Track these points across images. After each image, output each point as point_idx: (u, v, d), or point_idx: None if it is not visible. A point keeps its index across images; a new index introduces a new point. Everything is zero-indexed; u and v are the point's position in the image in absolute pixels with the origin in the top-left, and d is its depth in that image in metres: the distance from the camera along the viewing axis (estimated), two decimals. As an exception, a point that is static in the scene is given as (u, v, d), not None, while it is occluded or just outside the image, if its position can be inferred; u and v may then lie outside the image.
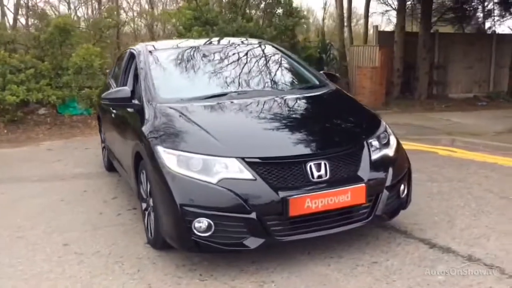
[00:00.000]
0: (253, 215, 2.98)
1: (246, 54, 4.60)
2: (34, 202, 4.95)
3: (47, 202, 4.93)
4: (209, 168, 3.07)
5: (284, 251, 3.37)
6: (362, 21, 20.69)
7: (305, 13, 17.37)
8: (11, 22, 12.65)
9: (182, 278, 3.12)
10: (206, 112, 3.65)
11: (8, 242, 3.87)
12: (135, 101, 3.99)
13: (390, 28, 19.26)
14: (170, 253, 3.42)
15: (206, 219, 3.01)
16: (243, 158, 3.08)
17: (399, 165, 3.56)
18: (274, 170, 3.08)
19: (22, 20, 13.15)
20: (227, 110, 3.69)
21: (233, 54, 4.58)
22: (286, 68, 4.55)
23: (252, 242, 3.03)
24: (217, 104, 3.72)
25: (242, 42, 5.01)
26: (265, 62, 4.54)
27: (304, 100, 3.92)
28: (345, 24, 15.22)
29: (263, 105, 3.73)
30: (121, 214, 4.42)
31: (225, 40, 5.16)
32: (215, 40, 5.30)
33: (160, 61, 4.39)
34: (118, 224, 4.18)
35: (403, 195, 3.57)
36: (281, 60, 4.63)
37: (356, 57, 13.36)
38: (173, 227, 3.13)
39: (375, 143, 3.46)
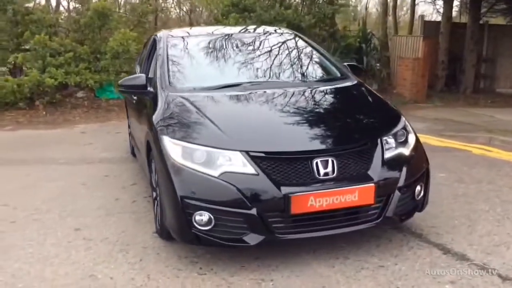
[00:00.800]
0: (253, 211, 2.89)
1: (267, 43, 4.48)
2: (55, 184, 5.04)
3: (68, 185, 5.01)
4: (213, 160, 3.00)
5: (290, 248, 3.27)
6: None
7: (352, 1, 16.85)
8: (54, 5, 12.97)
9: (182, 271, 3.08)
10: (216, 102, 3.57)
11: (23, 224, 3.95)
12: (150, 89, 3.96)
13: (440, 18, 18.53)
14: (174, 244, 3.39)
15: (207, 212, 2.95)
16: (247, 152, 2.99)
17: (415, 165, 3.37)
18: (279, 165, 2.98)
19: (65, 3, 13.47)
20: (238, 101, 3.59)
21: (254, 43, 4.46)
22: (307, 59, 4.39)
23: (252, 239, 2.95)
24: (228, 94, 3.64)
25: (264, 31, 4.88)
26: (285, 52, 4.40)
27: (320, 93, 3.77)
28: (390, 13, 14.75)
29: (276, 97, 3.62)
30: (136, 201, 4.43)
31: (248, 29, 5.05)
32: (238, 28, 5.20)
33: (179, 48, 4.34)
34: (132, 211, 4.19)
35: (419, 197, 3.39)
36: (303, 51, 4.48)
37: (398, 47, 12.91)
38: (174, 219, 3.09)
39: (390, 140, 3.29)
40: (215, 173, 2.96)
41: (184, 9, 18.38)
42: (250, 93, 3.65)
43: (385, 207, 3.14)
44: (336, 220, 3.08)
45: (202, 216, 2.95)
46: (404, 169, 3.22)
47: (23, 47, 10.29)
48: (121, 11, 12.02)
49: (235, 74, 4.02)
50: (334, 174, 3.01)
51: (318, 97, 3.72)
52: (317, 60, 4.41)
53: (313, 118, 3.41)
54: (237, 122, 3.32)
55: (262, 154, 2.99)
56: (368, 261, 3.14)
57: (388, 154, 3.21)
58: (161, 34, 4.74)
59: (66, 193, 4.76)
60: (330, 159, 3.02)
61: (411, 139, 3.45)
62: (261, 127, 3.29)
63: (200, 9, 16.40)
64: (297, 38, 4.68)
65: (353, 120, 3.48)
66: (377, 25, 15.85)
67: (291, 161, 3.00)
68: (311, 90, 3.78)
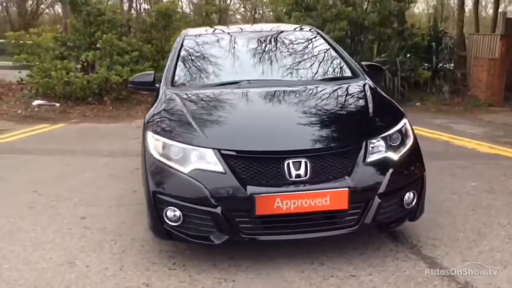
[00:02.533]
0: (218, 210, 2.87)
1: (280, 42, 4.42)
2: (88, 175, 5.33)
3: (98, 176, 5.28)
4: (187, 157, 3.02)
5: (269, 250, 3.21)
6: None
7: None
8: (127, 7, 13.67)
9: (155, 265, 3.13)
10: (204, 100, 3.58)
11: (40, 210, 4.22)
12: (157, 85, 4.06)
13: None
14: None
15: (176, 209, 2.98)
16: (219, 150, 2.97)
17: (405, 171, 3.17)
18: (249, 164, 2.93)
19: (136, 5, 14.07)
20: (227, 99, 3.57)
21: (267, 42, 4.42)
22: (317, 58, 4.26)
23: (218, 237, 2.93)
24: (219, 92, 3.64)
25: (283, 29, 4.83)
26: (296, 51, 4.32)
27: (317, 93, 3.64)
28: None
29: (268, 96, 3.56)
30: (149, 195, 4.57)
31: (271, 27, 5.01)
32: (261, 27, 5.18)
33: (191, 47, 4.41)
34: (141, 203, 4.32)
35: (410, 206, 3.17)
36: (316, 49, 4.35)
37: (474, 46, 12.08)
38: (149, 213, 3.15)
39: (378, 144, 3.10)
40: (186, 170, 2.97)
41: (248, 8, 18.51)
42: (242, 92, 3.62)
43: (363, 214, 2.98)
44: (309, 224, 2.97)
45: (172, 212, 2.99)
46: (388, 175, 3.02)
47: (95, 46, 10.96)
48: (186, 11, 12.40)
49: (238, 72, 4.01)
50: (307, 177, 2.90)
51: (314, 96, 3.59)
52: (329, 59, 4.26)
53: (297, 118, 3.30)
54: (218, 120, 3.31)
55: (233, 153, 2.96)
56: (343, 269, 2.99)
57: (371, 158, 3.03)
58: (184, 31, 4.85)
59: (93, 183, 5.01)
60: (303, 161, 2.91)
61: (407, 144, 3.23)
62: (241, 125, 3.25)
63: (262, 8, 16.43)
64: (315, 36, 4.56)
65: (342, 122, 3.32)
66: (453, 22, 14.92)
67: (262, 161, 2.94)
68: (310, 90, 3.67)
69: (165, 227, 3.04)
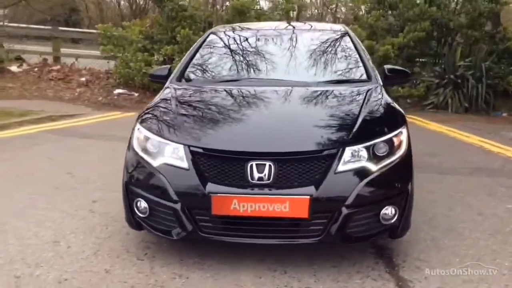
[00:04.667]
0: (178, 206, 2.88)
1: (301, 40, 4.30)
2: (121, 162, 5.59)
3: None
4: (161, 151, 3.05)
5: (242, 251, 3.13)
6: None
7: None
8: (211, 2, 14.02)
9: (128, 253, 3.20)
10: (195, 96, 3.59)
11: (62, 191, 4.50)
12: (170, 79, 4.15)
13: None
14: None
15: (144, 201, 3.03)
16: (189, 146, 2.98)
17: (384, 184, 2.93)
18: (214, 163, 2.89)
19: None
20: (217, 96, 3.54)
21: (288, 40, 4.32)
22: (333, 59, 4.07)
23: (177, 233, 2.94)
24: (214, 89, 3.63)
25: (311, 28, 4.68)
26: (314, 50, 4.16)
27: (311, 95, 3.48)
28: None
29: (258, 95, 3.48)
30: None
31: (298, 25, 4.91)
32: (287, 25, 5.07)
33: (213, 43, 4.44)
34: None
35: (390, 221, 2.94)
36: (336, 50, 4.17)
37: None
38: (123, 203, 3.23)
39: (357, 152, 2.90)
40: (155, 163, 3.01)
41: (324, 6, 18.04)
42: (235, 90, 3.58)
43: (328, 224, 2.81)
44: (269, 230, 2.88)
45: (141, 204, 3.05)
46: (360, 187, 2.82)
47: (175, 40, 11.43)
48: (263, 8, 12.42)
49: (243, 70, 3.97)
50: (270, 180, 2.81)
51: (305, 99, 3.44)
52: (345, 60, 4.07)
53: (276, 120, 3.19)
54: (198, 117, 3.29)
55: (201, 150, 2.94)
56: (302, 280, 2.85)
57: (344, 167, 2.85)
58: (212, 29, 4.90)
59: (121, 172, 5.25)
60: (267, 164, 2.81)
61: (394, 155, 2.99)
62: (217, 123, 3.20)
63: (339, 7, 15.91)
64: (341, 37, 4.37)
65: (322, 127, 3.12)
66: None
67: (227, 160, 2.88)
68: (305, 92, 3.53)
69: (136, 218, 3.11)
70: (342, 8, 15.81)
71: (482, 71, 9.89)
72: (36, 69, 11.93)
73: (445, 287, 2.80)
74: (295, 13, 12.38)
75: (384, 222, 2.93)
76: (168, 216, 2.96)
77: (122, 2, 28.60)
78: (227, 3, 12.69)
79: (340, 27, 4.77)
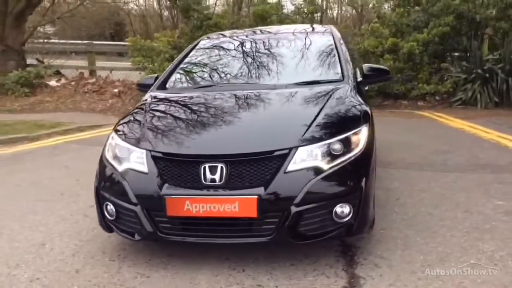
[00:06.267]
0: (137, 208, 3.03)
1: (282, 43, 4.39)
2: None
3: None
4: (127, 157, 3.22)
5: (212, 250, 3.25)
6: None
7: None
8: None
9: (103, 254, 3.38)
10: (166, 104, 3.75)
11: (66, 197, 4.73)
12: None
13: None
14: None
15: (111, 204, 3.21)
16: (150, 151, 3.13)
17: (337, 182, 2.96)
18: (172, 167, 3.03)
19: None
20: (185, 102, 3.69)
21: (270, 44, 4.42)
22: (309, 60, 4.12)
23: (140, 234, 3.09)
24: (185, 96, 3.78)
25: (296, 30, 4.75)
26: (294, 52, 4.24)
27: (277, 98, 3.55)
28: None
29: (224, 99, 3.59)
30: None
31: (281, 30, 5.02)
32: (276, 28, 5.16)
33: (200, 50, 4.61)
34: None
35: (345, 219, 2.96)
36: (315, 51, 4.23)
37: None
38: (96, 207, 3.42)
39: (309, 152, 2.95)
40: (120, 168, 3.19)
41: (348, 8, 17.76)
42: (204, 96, 3.72)
43: (280, 223, 2.88)
44: (226, 229, 2.97)
45: (109, 208, 3.23)
46: (309, 185, 2.86)
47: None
48: (286, 12, 12.45)
49: (218, 75, 4.11)
50: (221, 182, 2.91)
51: (269, 101, 3.51)
52: (321, 61, 4.11)
53: (234, 122, 3.29)
54: (163, 123, 3.43)
55: (160, 155, 3.09)
56: (257, 278, 2.92)
57: (294, 167, 2.90)
58: (203, 36, 5.06)
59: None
60: (219, 166, 2.92)
61: (349, 154, 3.01)
62: (179, 128, 3.32)
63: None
64: (324, 37, 4.41)
65: (276, 128, 3.18)
66: None
67: (183, 163, 3.01)
68: (270, 94, 3.60)
69: (106, 221, 3.29)
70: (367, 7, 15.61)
71: (512, 64, 9.52)
72: (72, 82, 12.55)
73: (397, 284, 2.79)
74: (318, 15, 12.33)
75: (338, 220, 2.95)
76: (131, 218, 3.11)
77: (165, 14, 29.43)
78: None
79: (325, 28, 4.80)
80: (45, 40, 14.01)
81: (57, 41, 14.56)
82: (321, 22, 13.28)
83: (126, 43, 13.25)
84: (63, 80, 12.79)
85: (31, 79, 11.92)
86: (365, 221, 3.07)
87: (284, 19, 11.26)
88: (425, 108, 10.36)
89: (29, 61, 13.53)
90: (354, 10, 17.79)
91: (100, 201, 3.29)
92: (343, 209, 2.95)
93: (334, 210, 2.93)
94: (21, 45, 12.90)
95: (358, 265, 3.05)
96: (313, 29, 4.82)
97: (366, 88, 4.82)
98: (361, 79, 3.99)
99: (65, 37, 21.98)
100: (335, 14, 16.99)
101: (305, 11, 11.37)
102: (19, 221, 4.14)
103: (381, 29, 10.31)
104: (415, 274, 2.90)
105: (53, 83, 12.49)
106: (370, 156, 3.16)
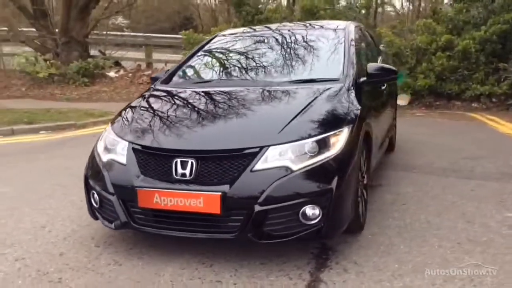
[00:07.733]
0: (114, 198, 3.14)
1: (294, 40, 4.34)
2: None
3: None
4: (115, 148, 3.34)
5: (195, 244, 3.29)
6: None
7: None
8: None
9: (91, 240, 3.53)
10: (162, 98, 3.83)
11: (70, 190, 4.82)
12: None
13: None
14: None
15: (96, 193, 3.34)
16: (131, 143, 3.23)
17: (305, 183, 2.90)
18: (148, 159, 3.11)
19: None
20: (178, 97, 3.73)
21: (276, 41, 4.38)
22: (313, 58, 4.04)
23: (116, 224, 3.20)
24: (181, 91, 3.83)
25: (307, 27, 4.68)
26: (296, 50, 4.17)
27: (264, 95, 3.51)
28: None
29: (215, 96, 3.62)
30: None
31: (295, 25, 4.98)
32: (292, 26, 5.08)
33: (213, 46, 4.64)
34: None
35: (313, 221, 2.90)
36: (323, 49, 4.15)
37: None
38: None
39: (281, 151, 2.92)
40: (104, 158, 3.32)
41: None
42: (197, 91, 3.75)
43: (244, 221, 2.87)
44: (193, 224, 3.01)
45: (95, 196, 3.37)
46: (274, 185, 2.83)
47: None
48: (337, 7, 12.14)
49: (220, 71, 4.15)
50: (191, 177, 2.95)
51: (254, 99, 3.47)
52: (324, 59, 4.01)
53: (213, 118, 3.31)
54: (152, 115, 3.51)
55: (139, 147, 3.18)
56: (220, 274, 2.94)
57: (262, 166, 2.88)
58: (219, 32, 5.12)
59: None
60: (190, 161, 2.96)
61: (322, 155, 2.95)
62: (161, 122, 3.38)
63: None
64: (337, 35, 4.31)
65: (251, 126, 3.18)
66: None
67: (158, 157, 3.09)
68: (259, 91, 3.57)
69: (93, 209, 3.44)
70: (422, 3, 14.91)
71: None
72: (130, 74, 13.08)
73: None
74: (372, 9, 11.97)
75: (306, 222, 2.90)
76: (109, 207, 3.23)
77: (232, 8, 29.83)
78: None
79: (343, 24, 4.65)
80: (108, 32, 14.66)
81: (118, 33, 15.18)
82: (374, 17, 12.89)
83: (175, 36, 13.63)
84: (121, 72, 13.35)
85: (90, 69, 12.55)
86: (337, 224, 2.99)
87: (336, 14, 11.06)
88: (479, 110, 9.80)
89: (93, 52, 14.25)
90: (411, 5, 17.10)
91: (88, 189, 3.44)
92: (313, 211, 2.89)
93: (302, 211, 2.88)
94: (85, 37, 13.61)
95: (327, 269, 2.98)
96: (331, 25, 4.69)
97: (383, 87, 4.66)
98: (365, 78, 3.86)
99: (137, 29, 22.88)
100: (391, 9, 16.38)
101: (357, 6, 11.10)
102: (33, 204, 4.39)
103: (434, 25, 9.83)
104: (381, 283, 2.79)
105: (112, 74, 13.08)
106: (350, 158, 3.08)
